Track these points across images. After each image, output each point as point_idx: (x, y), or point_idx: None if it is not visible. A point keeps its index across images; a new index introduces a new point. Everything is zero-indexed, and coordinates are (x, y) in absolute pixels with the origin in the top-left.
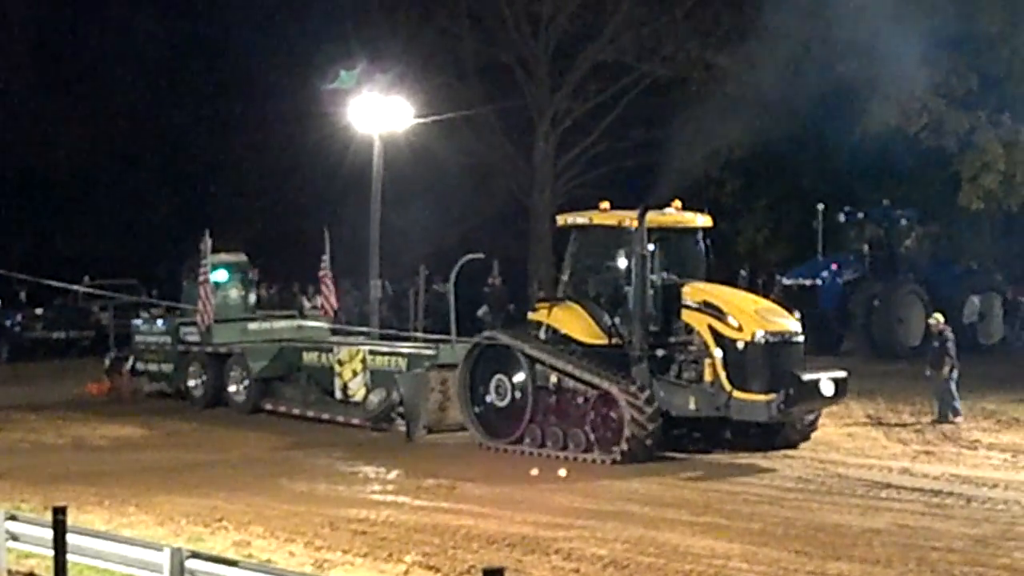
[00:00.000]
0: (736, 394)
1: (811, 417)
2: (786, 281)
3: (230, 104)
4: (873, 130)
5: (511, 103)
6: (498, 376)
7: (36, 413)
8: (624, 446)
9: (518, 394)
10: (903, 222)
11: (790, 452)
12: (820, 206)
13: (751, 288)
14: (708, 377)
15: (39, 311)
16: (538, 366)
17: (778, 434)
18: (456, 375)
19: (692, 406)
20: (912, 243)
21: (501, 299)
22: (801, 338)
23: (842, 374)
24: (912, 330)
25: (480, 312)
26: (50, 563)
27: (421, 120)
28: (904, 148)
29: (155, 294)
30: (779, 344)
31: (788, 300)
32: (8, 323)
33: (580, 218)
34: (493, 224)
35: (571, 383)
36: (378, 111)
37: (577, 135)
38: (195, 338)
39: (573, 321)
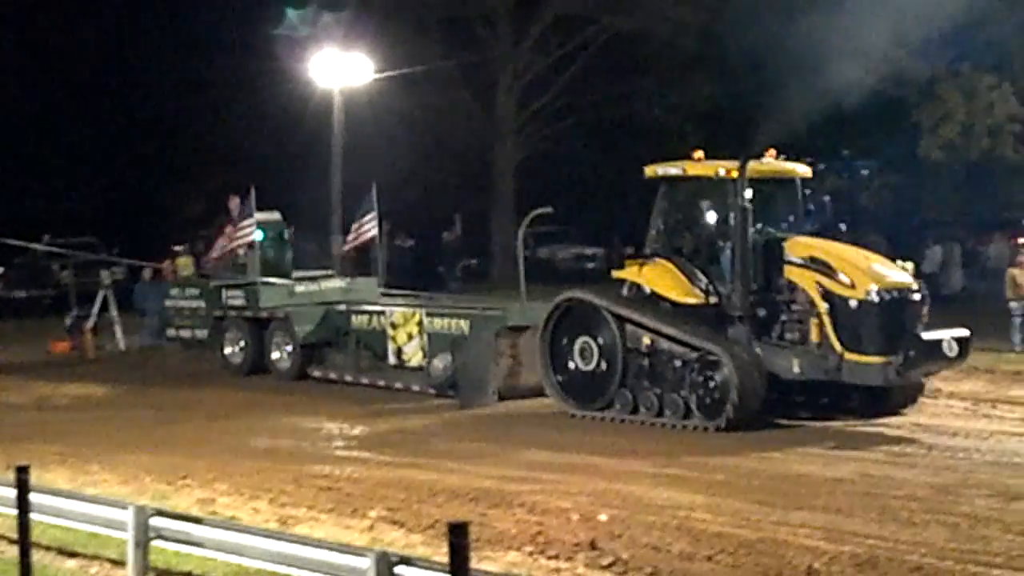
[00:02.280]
0: (848, 356)
1: (922, 380)
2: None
3: (189, 60)
4: (834, 81)
5: (473, 57)
6: (583, 339)
7: None
8: (730, 412)
9: (606, 357)
10: (864, 173)
11: None
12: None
13: None
14: (814, 338)
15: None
16: (629, 327)
17: (886, 398)
18: (531, 338)
19: (796, 369)
20: (873, 194)
21: (458, 253)
22: (919, 295)
23: (965, 332)
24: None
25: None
26: (13, 522)
27: (381, 75)
28: (865, 99)
29: (116, 252)
30: (896, 301)
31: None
32: None
33: (672, 169)
34: (455, 179)
35: (667, 344)
36: (338, 66)
37: (539, 89)
38: (239, 302)
39: (665, 279)
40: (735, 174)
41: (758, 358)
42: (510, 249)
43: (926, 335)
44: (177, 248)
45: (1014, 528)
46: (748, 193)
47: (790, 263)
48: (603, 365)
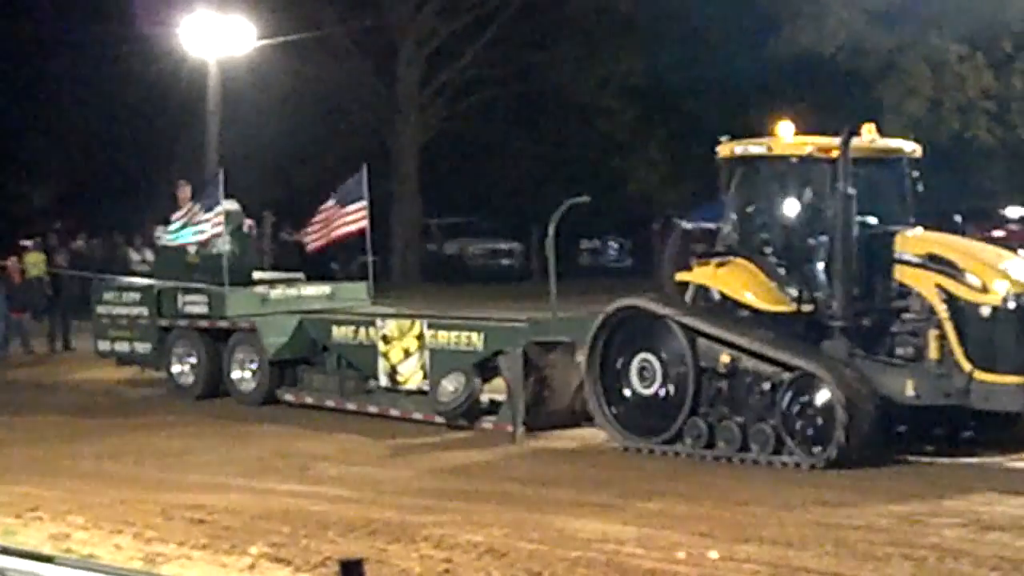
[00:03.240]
0: (979, 375)
1: None
2: (687, 225)
3: (38, 24)
4: (785, 52)
5: (370, 23)
6: (642, 356)
7: None
8: (837, 445)
9: (672, 380)
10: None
11: None
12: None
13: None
14: (934, 354)
15: None
16: (702, 341)
17: (1015, 426)
18: (563, 356)
19: (911, 391)
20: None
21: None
22: None
23: None
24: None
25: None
26: None
27: (265, 42)
28: (820, 72)
29: None
30: None
31: (690, 245)
32: None
33: (755, 147)
34: (352, 163)
35: (752, 363)
36: (214, 31)
37: (446, 59)
38: (200, 309)
39: (745, 282)
40: (835, 153)
41: (867, 378)
42: (413, 242)
43: None
44: (26, 243)
45: (987, 562)
46: (851, 177)
47: (903, 262)
48: (669, 389)
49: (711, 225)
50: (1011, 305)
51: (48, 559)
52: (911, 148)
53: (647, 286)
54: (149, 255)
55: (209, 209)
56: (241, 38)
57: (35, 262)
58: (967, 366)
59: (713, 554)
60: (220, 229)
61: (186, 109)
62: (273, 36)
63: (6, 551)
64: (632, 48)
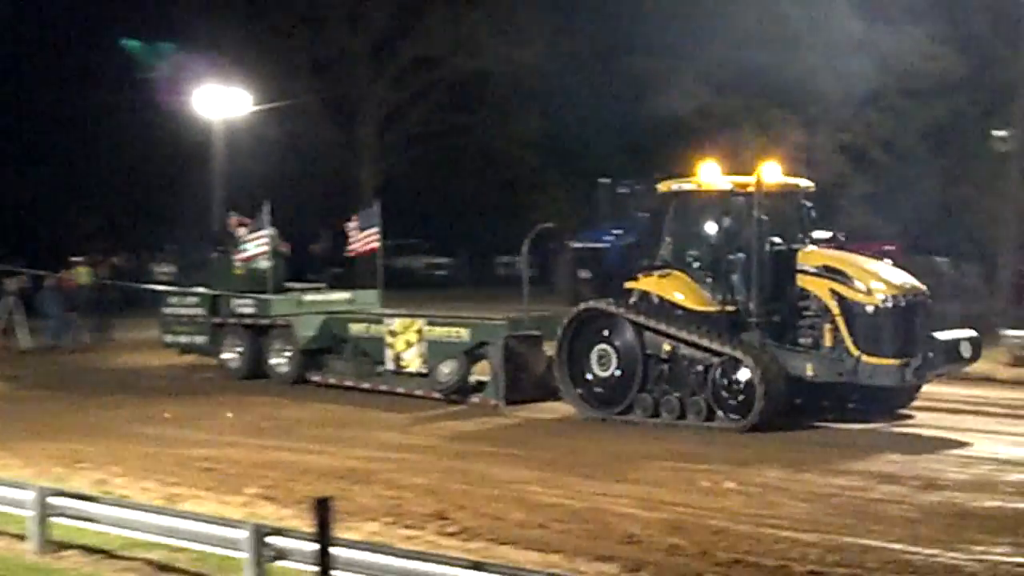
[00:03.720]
0: (865, 359)
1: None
2: (576, 245)
3: (85, 91)
4: (650, 114)
5: (337, 93)
6: (600, 346)
7: None
8: (756, 413)
9: (624, 364)
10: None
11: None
12: (604, 179)
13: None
14: (828, 343)
15: None
16: (647, 334)
17: (896, 398)
18: (533, 346)
19: (810, 372)
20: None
21: (325, 262)
22: (929, 300)
23: (974, 334)
24: None
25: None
26: None
27: (258, 108)
28: (676, 131)
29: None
30: (911, 306)
31: (579, 261)
32: None
33: (687, 184)
34: (323, 198)
35: (688, 351)
36: (220, 100)
37: (397, 120)
38: (250, 310)
39: (680, 289)
40: (751, 188)
41: (778, 361)
42: (370, 258)
43: (942, 336)
44: (75, 259)
45: (799, 496)
46: (763, 207)
47: (803, 272)
48: (621, 371)
49: (594, 244)
50: (889, 304)
51: (92, 499)
52: (805, 184)
53: (544, 290)
54: (169, 268)
55: (258, 230)
56: (240, 104)
57: (83, 273)
58: (855, 351)
59: (595, 490)
60: (265, 249)
61: (198, 157)
62: (264, 103)
63: (60, 493)
64: (534, 111)
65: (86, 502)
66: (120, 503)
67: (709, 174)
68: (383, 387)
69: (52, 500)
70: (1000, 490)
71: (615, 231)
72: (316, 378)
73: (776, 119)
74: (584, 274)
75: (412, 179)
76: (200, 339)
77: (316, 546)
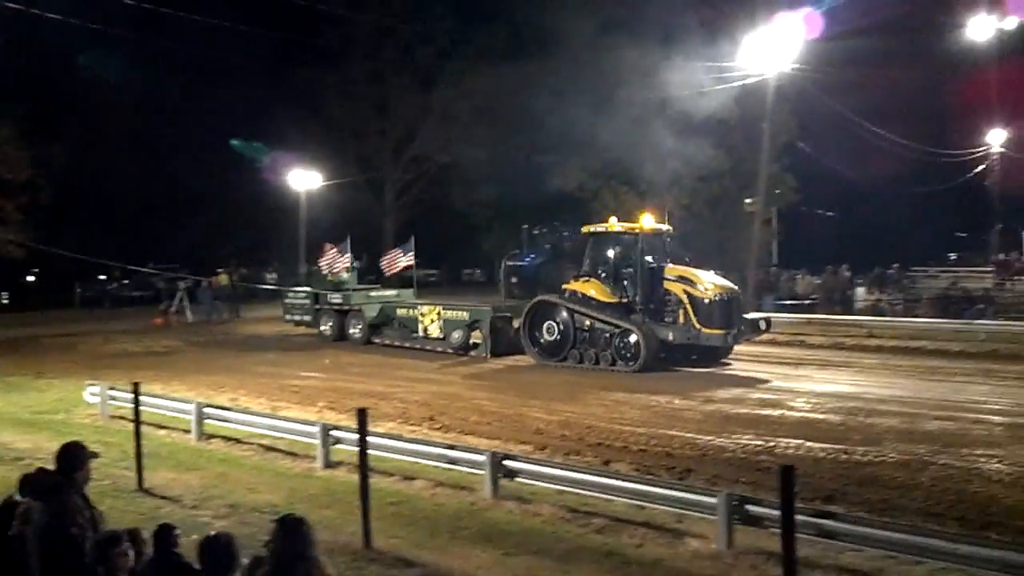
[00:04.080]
0: (704, 330)
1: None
2: (509, 263)
3: (223, 170)
4: (553, 187)
5: (372, 174)
6: (548, 322)
7: (124, 335)
8: (641, 362)
9: (562, 332)
10: (565, 233)
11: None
12: (525, 225)
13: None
14: (681, 320)
15: (125, 281)
16: (576, 315)
17: (718, 353)
18: (510, 323)
19: (671, 337)
20: (571, 245)
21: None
22: (739, 294)
23: (767, 315)
24: None
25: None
26: (131, 411)
27: (324, 183)
28: (570, 196)
29: (187, 271)
30: (731, 299)
31: (510, 272)
32: (109, 288)
33: (600, 228)
34: (362, 237)
35: (600, 325)
36: (302, 178)
37: (408, 189)
38: (338, 300)
39: (595, 288)
40: (637, 231)
41: (653, 331)
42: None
43: (750, 317)
44: (219, 270)
45: (636, 407)
46: (643, 241)
47: (667, 279)
48: (561, 337)
49: (520, 263)
50: (717, 298)
51: (228, 408)
52: (667, 228)
53: (491, 291)
54: (273, 275)
55: (343, 254)
56: (314, 180)
57: (224, 278)
58: (698, 326)
59: (520, 403)
60: (347, 264)
61: (290, 211)
62: (329, 180)
63: (210, 405)
64: (485, 185)
65: (224, 410)
66: (243, 411)
67: (613, 221)
68: (417, 346)
69: (205, 410)
70: (748, 404)
71: (531, 256)
72: (377, 341)
73: (622, 192)
74: (513, 280)
75: (415, 226)
76: (307, 317)
77: (357, 436)
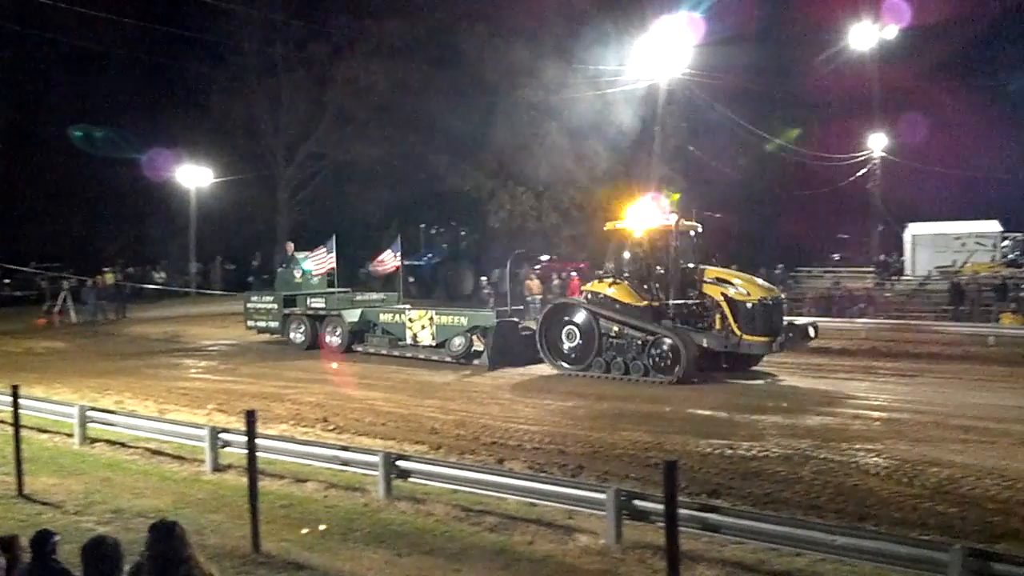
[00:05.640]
0: (746, 337)
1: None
2: (407, 262)
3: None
4: (450, 187)
5: (265, 173)
6: (568, 327)
7: (5, 336)
8: (680, 372)
9: (584, 337)
10: (462, 233)
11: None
12: (422, 225)
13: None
14: (718, 326)
15: (6, 280)
16: (602, 320)
17: (749, 361)
18: (516, 327)
19: (705, 343)
20: (466, 244)
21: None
22: (783, 300)
23: (814, 320)
24: (464, 287)
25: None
26: (7, 414)
27: (216, 180)
28: (466, 197)
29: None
30: (774, 304)
31: (407, 273)
32: None
33: (624, 225)
34: (253, 236)
35: (629, 331)
36: (193, 174)
37: (300, 188)
38: (320, 304)
39: (621, 291)
40: (671, 227)
41: (691, 337)
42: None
43: (798, 322)
44: (104, 270)
45: (531, 404)
46: (677, 239)
47: (704, 281)
48: (583, 342)
49: (418, 262)
50: (759, 303)
51: (113, 412)
52: (698, 226)
53: (388, 290)
54: (163, 275)
55: (327, 253)
56: (205, 177)
57: (110, 277)
58: (738, 331)
59: (415, 403)
60: (333, 265)
61: (180, 211)
62: (220, 177)
63: (94, 408)
64: (381, 185)
65: (109, 413)
66: (129, 414)
67: (639, 218)
68: (408, 355)
69: (89, 413)
70: (639, 401)
71: (428, 255)
72: (358, 349)
73: (518, 192)
74: (410, 279)
75: (310, 225)
76: (274, 324)
77: (246, 438)
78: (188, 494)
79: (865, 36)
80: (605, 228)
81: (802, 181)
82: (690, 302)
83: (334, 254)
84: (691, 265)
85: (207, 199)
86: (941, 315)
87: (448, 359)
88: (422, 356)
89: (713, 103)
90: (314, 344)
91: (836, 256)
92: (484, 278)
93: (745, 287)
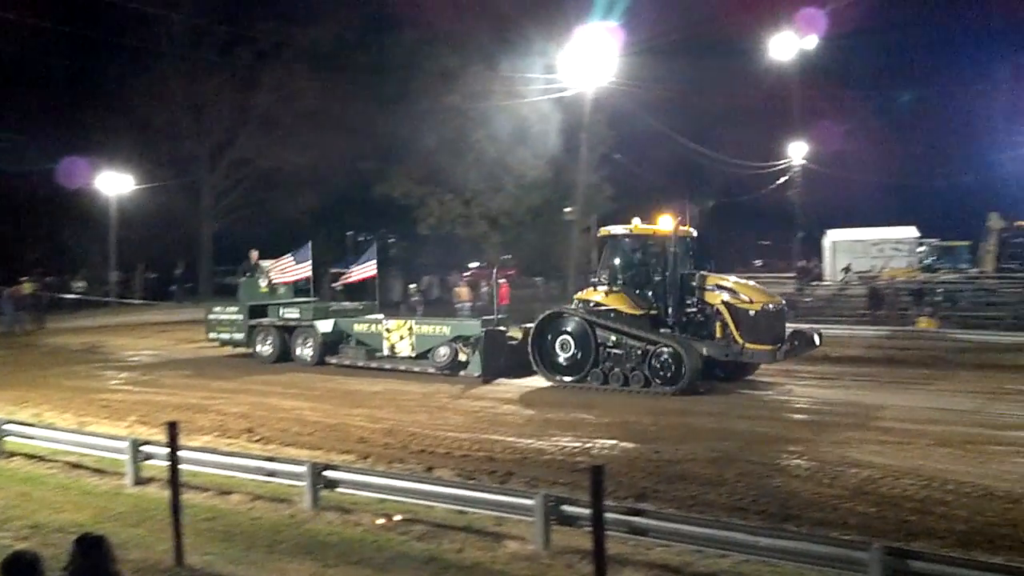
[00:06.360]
0: (749, 345)
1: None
2: (333, 270)
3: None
4: (378, 193)
5: (188, 179)
6: (562, 337)
7: None
8: (684, 382)
9: (580, 348)
10: (391, 240)
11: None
12: (350, 232)
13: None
14: (718, 334)
15: None
16: (598, 330)
17: (747, 369)
18: (504, 336)
19: (705, 352)
20: (397, 251)
21: (180, 281)
22: (785, 305)
23: (820, 327)
24: (396, 292)
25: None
26: None
27: (138, 187)
28: (395, 204)
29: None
30: (778, 311)
31: (334, 278)
32: None
33: (621, 229)
34: (176, 242)
35: (629, 340)
36: (113, 182)
37: (225, 195)
38: (295, 315)
39: (618, 299)
40: (669, 233)
41: (693, 346)
42: (207, 277)
43: (804, 328)
44: (22, 279)
45: (460, 411)
46: (675, 245)
47: (704, 288)
48: (579, 353)
49: (343, 270)
50: (762, 310)
51: (31, 425)
52: (693, 232)
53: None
54: (83, 283)
55: (301, 262)
56: (127, 184)
57: (28, 287)
58: (740, 340)
59: (342, 412)
60: (308, 274)
61: (101, 218)
62: (142, 184)
63: (10, 421)
64: (309, 192)
65: (26, 426)
66: (47, 427)
67: (637, 222)
68: (387, 367)
69: (5, 426)
70: (567, 407)
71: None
72: (333, 361)
73: (447, 199)
74: (336, 285)
75: (234, 232)
76: (238, 335)
77: (168, 450)
78: (109, 508)
79: (785, 46)
80: (599, 234)
81: (726, 188)
82: (690, 310)
83: (309, 262)
84: (690, 272)
85: (128, 206)
86: (860, 319)
87: (431, 370)
88: (402, 368)
89: (638, 112)
90: (283, 357)
91: (758, 262)
92: (413, 285)
93: (747, 294)
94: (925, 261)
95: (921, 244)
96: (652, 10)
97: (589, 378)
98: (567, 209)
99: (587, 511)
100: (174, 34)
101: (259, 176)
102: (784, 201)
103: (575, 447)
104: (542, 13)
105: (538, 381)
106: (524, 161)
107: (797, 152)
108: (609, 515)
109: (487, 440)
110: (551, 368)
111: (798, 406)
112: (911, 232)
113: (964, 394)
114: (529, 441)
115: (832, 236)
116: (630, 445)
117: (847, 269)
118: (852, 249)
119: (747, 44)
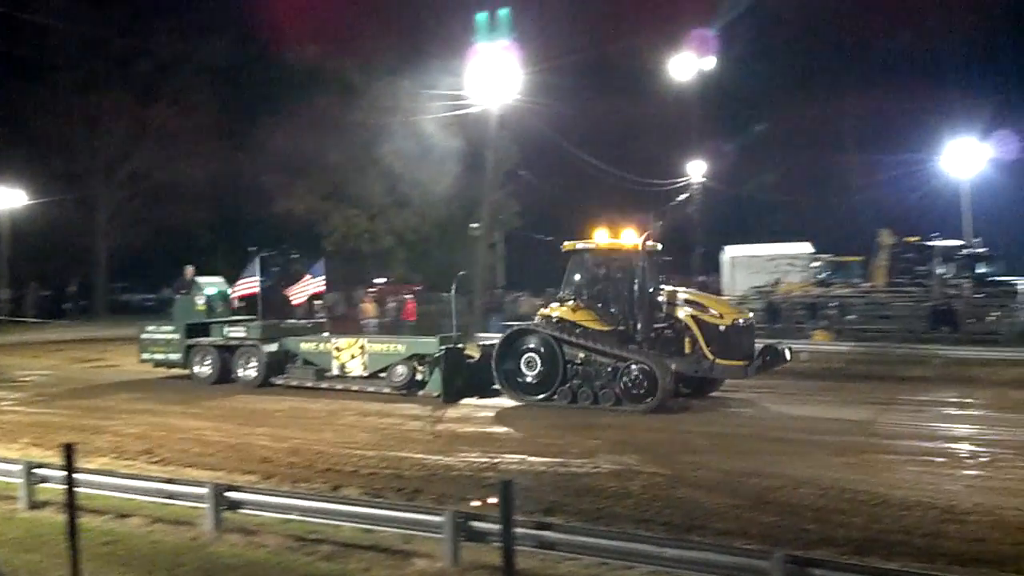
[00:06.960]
0: (719, 361)
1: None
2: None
3: None
4: (281, 208)
5: (83, 193)
6: (528, 355)
7: None
8: (657, 400)
9: (547, 365)
10: (294, 256)
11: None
12: (252, 248)
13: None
14: (687, 349)
15: None
16: (565, 347)
17: (712, 385)
18: (463, 355)
19: (675, 367)
20: (301, 266)
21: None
22: (753, 321)
23: (793, 344)
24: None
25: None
26: None
27: (31, 202)
28: (297, 221)
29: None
30: (747, 326)
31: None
32: None
33: (586, 244)
34: (71, 259)
35: (597, 357)
36: (5, 195)
37: (122, 209)
38: (241, 333)
39: (583, 315)
40: (638, 247)
41: (664, 362)
42: (103, 294)
43: (773, 344)
44: None
45: (367, 429)
46: (643, 260)
47: (672, 303)
48: (546, 370)
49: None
50: (732, 325)
51: None
52: (659, 247)
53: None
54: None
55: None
56: (19, 199)
57: None
58: (710, 355)
59: (244, 431)
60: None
61: None
62: (35, 199)
63: None
64: (207, 206)
65: None
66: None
67: (601, 237)
68: (338, 387)
69: None
70: (475, 422)
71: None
72: (279, 382)
73: (352, 214)
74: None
75: (131, 248)
76: (174, 356)
77: (64, 473)
78: (2, 533)
79: (684, 67)
80: (563, 248)
81: (631, 205)
82: (659, 325)
83: (257, 277)
84: (658, 287)
85: (21, 222)
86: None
87: (387, 390)
88: (355, 388)
89: (544, 129)
90: (223, 378)
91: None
92: (318, 302)
93: (717, 308)
94: (819, 276)
95: (815, 259)
96: (560, 29)
97: (557, 396)
98: (473, 225)
99: (496, 526)
100: (69, 46)
101: (157, 191)
102: (684, 218)
103: (483, 462)
104: (445, 31)
105: (503, 401)
106: (430, 177)
107: (696, 170)
108: (519, 530)
109: (395, 457)
110: (516, 387)
111: (699, 419)
112: (806, 248)
113: (858, 405)
114: (437, 457)
115: (730, 252)
116: (536, 459)
117: (777, 282)
118: (749, 264)
119: (650, 64)
